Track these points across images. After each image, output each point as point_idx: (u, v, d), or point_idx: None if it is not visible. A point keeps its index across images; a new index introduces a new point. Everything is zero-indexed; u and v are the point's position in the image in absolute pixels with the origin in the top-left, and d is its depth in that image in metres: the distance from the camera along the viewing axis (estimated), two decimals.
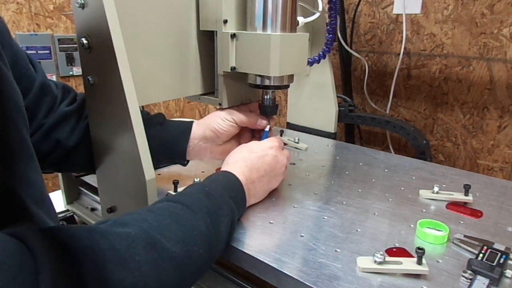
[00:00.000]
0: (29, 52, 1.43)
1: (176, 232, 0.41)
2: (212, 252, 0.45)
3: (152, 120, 0.61)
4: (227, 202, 0.49)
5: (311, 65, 0.82)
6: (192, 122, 0.64)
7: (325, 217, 0.58)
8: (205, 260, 0.44)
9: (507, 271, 0.45)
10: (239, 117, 0.64)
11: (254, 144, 0.61)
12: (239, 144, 0.69)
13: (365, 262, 0.46)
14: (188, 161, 0.66)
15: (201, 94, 0.68)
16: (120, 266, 0.34)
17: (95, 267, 0.33)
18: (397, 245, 0.51)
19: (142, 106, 0.96)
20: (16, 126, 0.38)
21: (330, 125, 1.01)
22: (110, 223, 0.39)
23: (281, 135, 0.95)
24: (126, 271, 0.34)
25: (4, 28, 0.48)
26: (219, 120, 0.63)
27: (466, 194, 0.63)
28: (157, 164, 0.54)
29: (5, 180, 0.35)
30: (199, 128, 0.64)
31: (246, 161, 0.57)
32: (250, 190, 0.56)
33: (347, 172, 0.76)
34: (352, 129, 1.25)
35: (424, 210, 0.61)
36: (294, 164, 0.81)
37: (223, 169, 0.57)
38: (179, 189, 0.62)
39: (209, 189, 0.49)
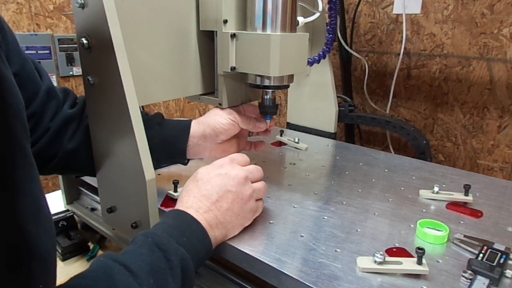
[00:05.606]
0: (29, 52, 1.43)
1: None
2: None
3: (150, 121, 0.60)
4: (175, 250, 0.43)
5: (311, 65, 0.82)
6: (191, 120, 0.64)
7: (325, 217, 0.58)
8: None
9: (507, 271, 0.45)
10: (240, 118, 0.64)
11: (198, 171, 0.55)
12: (238, 143, 0.69)
13: (365, 262, 0.46)
14: (188, 160, 0.66)
15: (201, 94, 0.68)
16: None
17: None
18: (397, 245, 0.51)
19: (142, 106, 0.96)
20: (13, 133, 0.35)
21: (330, 125, 1.01)
22: None
23: (281, 135, 0.95)
24: None
25: (9, 33, 0.48)
26: (221, 119, 0.63)
27: (466, 194, 0.63)
28: (158, 165, 0.53)
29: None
30: (198, 127, 0.63)
31: (194, 192, 0.51)
32: (210, 221, 0.49)
33: (347, 172, 0.76)
34: (352, 129, 1.25)
35: (424, 210, 0.61)
36: (294, 164, 0.81)
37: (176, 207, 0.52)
38: (179, 189, 0.62)
39: (152, 240, 0.43)
